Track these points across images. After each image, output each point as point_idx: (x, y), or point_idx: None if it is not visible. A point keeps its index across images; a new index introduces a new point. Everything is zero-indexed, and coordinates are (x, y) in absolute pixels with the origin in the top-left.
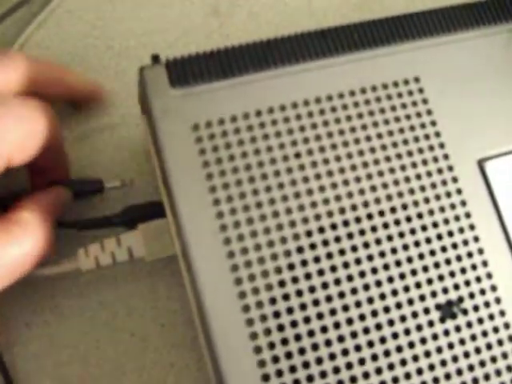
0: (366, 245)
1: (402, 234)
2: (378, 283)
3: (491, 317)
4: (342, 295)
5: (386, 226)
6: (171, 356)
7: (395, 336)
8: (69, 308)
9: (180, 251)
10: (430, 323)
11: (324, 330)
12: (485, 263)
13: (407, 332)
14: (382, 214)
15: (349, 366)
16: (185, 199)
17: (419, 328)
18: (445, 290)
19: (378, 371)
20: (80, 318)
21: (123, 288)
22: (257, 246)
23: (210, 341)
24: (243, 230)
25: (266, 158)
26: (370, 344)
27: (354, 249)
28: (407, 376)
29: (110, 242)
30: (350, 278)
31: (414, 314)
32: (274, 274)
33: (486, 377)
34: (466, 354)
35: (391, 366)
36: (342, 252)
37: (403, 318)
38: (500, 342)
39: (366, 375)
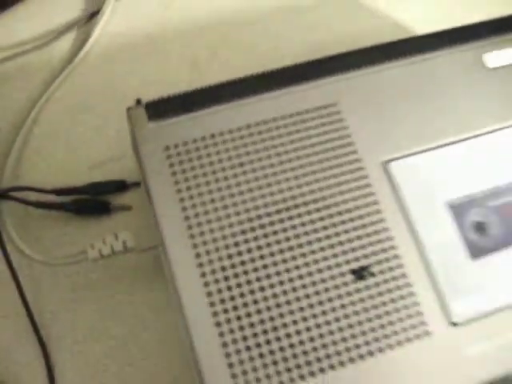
0: (294, 227)
1: (322, 218)
2: (303, 254)
3: (394, 278)
4: (275, 264)
5: (309, 212)
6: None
7: (317, 293)
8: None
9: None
10: (345, 284)
11: (262, 289)
12: (389, 238)
13: (327, 290)
14: (306, 204)
15: (281, 315)
16: (159, 199)
17: (337, 287)
18: (356, 259)
19: (304, 319)
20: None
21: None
22: (211, 230)
23: (179, 303)
24: (204, 219)
25: (218, 167)
26: (298, 299)
27: (285, 230)
28: (327, 322)
29: (109, 237)
30: (281, 251)
31: (332, 277)
32: (224, 249)
33: (382, 326)
34: (374, 306)
35: (314, 315)
36: (274, 232)
37: (323, 280)
38: (402, 297)
39: (295, 322)
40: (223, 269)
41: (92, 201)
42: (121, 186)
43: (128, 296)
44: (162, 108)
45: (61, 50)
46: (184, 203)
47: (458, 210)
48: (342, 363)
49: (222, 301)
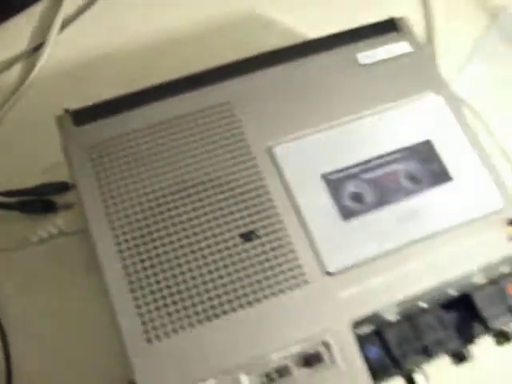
0: (193, 202)
1: (216, 193)
2: (201, 223)
3: (277, 238)
4: (177, 232)
5: (205, 189)
6: None
7: (212, 253)
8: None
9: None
10: (235, 245)
11: (166, 252)
12: (273, 207)
13: (220, 250)
14: (203, 183)
15: (182, 273)
16: (83, 188)
17: (228, 248)
18: (245, 225)
19: (201, 275)
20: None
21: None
22: (124, 208)
23: (100, 268)
24: (119, 199)
25: (131, 158)
26: (196, 259)
27: (185, 205)
28: (220, 277)
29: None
30: (181, 222)
31: (225, 240)
32: (135, 222)
33: (267, 277)
34: (260, 262)
35: (210, 271)
36: (177, 207)
37: (217, 243)
38: (283, 253)
39: (194, 278)
40: (134, 238)
41: (37, 201)
42: (64, 187)
43: (73, 277)
44: (85, 114)
45: (9, 78)
46: (103, 189)
47: (331, 181)
48: (233, 309)
49: (134, 263)
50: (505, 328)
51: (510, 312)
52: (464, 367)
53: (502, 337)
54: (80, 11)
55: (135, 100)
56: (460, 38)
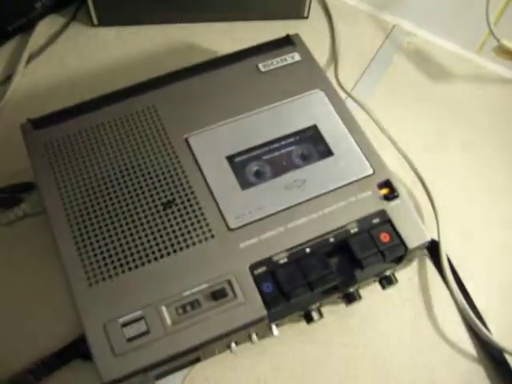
0: (125, 182)
1: (143, 175)
2: (133, 196)
3: (190, 205)
4: (113, 204)
5: (135, 172)
6: None
7: (140, 218)
8: None
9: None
10: (158, 211)
11: (110, 217)
12: (188, 182)
13: (146, 216)
14: (133, 167)
15: (117, 232)
16: (41, 177)
17: (152, 214)
18: (165, 196)
19: (131, 234)
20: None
21: None
22: (73, 188)
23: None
24: (68, 183)
25: (78, 151)
26: (127, 223)
27: (119, 184)
28: (146, 235)
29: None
30: (117, 196)
31: (150, 208)
32: (80, 198)
33: (183, 234)
34: (177, 222)
35: (138, 231)
36: (113, 186)
37: (144, 210)
38: (195, 215)
39: (125, 236)
40: (79, 206)
41: (7, 197)
42: (30, 186)
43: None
44: (42, 121)
45: None
46: (56, 175)
47: (234, 161)
48: (155, 258)
49: (78, 224)
50: (387, 273)
51: (381, 255)
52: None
53: (385, 281)
54: (42, 48)
55: (81, 109)
56: (360, 50)
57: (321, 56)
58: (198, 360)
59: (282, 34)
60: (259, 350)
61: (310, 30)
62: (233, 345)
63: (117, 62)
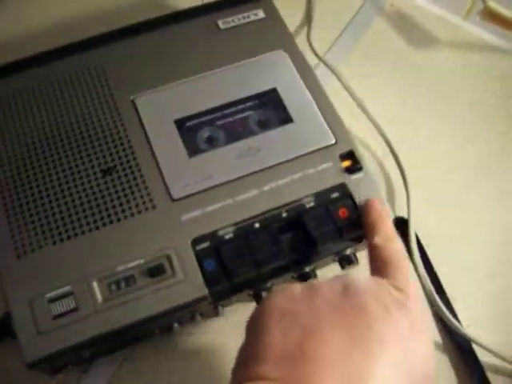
0: (63, 145)
1: (83, 138)
2: (70, 161)
3: (132, 173)
4: (48, 169)
5: (75, 135)
6: None
7: (76, 186)
8: None
9: None
10: (96, 179)
11: (44, 184)
12: (131, 147)
13: (83, 183)
14: (73, 130)
15: (51, 200)
16: None
17: (90, 181)
18: (105, 163)
19: (66, 203)
20: None
21: None
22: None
23: None
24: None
25: (16, 106)
26: (62, 191)
27: (57, 147)
28: (86, 202)
29: None
30: (53, 161)
31: (88, 175)
32: (14, 164)
33: (122, 203)
34: (117, 191)
35: (73, 200)
36: (51, 149)
37: (82, 177)
38: (136, 184)
39: (59, 205)
40: (11, 172)
41: None
42: None
43: None
44: None
45: None
46: None
47: (182, 126)
48: (90, 229)
49: (9, 191)
50: (347, 252)
51: (338, 232)
52: None
53: (344, 261)
54: None
55: (20, 66)
56: (338, 10)
57: (294, 15)
58: (137, 340)
59: None
60: (205, 329)
61: None
62: (175, 325)
63: (71, 14)
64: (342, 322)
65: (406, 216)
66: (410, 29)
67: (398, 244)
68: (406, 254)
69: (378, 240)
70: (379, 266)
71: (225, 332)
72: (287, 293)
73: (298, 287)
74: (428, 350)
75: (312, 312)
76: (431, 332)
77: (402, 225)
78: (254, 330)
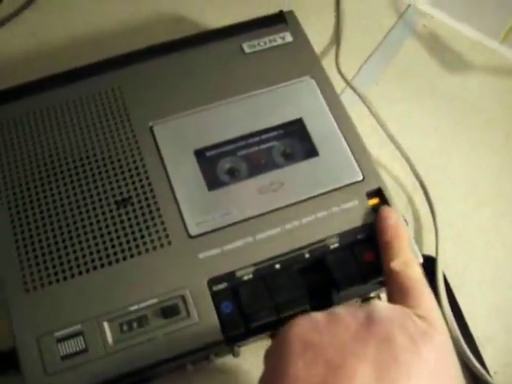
0: (77, 173)
1: (99, 167)
2: (84, 191)
3: (148, 205)
4: (61, 198)
5: (90, 163)
6: None
7: (89, 217)
8: None
9: None
10: (111, 210)
11: (56, 214)
12: (147, 178)
13: (97, 215)
14: (88, 157)
15: (62, 233)
16: None
17: (104, 213)
18: (120, 193)
19: (78, 236)
20: None
21: None
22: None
23: None
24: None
25: (30, 131)
26: (75, 222)
27: (71, 175)
28: (97, 236)
29: None
30: (67, 190)
31: (102, 206)
32: (27, 184)
33: (135, 238)
34: (131, 225)
35: (86, 233)
36: (64, 178)
37: (95, 208)
38: (152, 218)
39: (71, 237)
40: (23, 200)
41: None
42: None
43: None
44: None
45: None
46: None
47: (202, 156)
48: (102, 265)
49: (20, 221)
50: (371, 295)
51: (361, 277)
52: None
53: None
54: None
55: (34, 87)
56: (368, 31)
57: (322, 36)
58: (147, 380)
59: (282, 7)
60: (221, 368)
61: (314, 5)
62: (189, 365)
63: (93, 33)
64: (367, 355)
65: (433, 254)
66: (443, 51)
67: (417, 268)
68: (424, 280)
69: (396, 265)
70: (399, 294)
71: (241, 370)
72: (309, 322)
73: (319, 316)
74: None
75: (336, 344)
76: (456, 365)
77: (429, 264)
78: (275, 361)
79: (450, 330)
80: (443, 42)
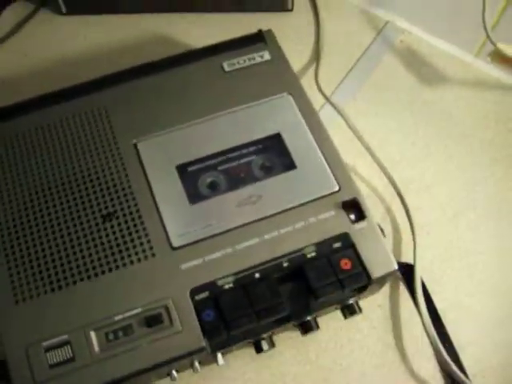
0: (65, 189)
1: (85, 182)
2: (71, 206)
3: (132, 219)
4: (49, 213)
5: (76, 180)
6: None
7: (77, 231)
8: None
9: None
10: (97, 224)
11: (45, 229)
12: (131, 193)
13: (83, 229)
14: (75, 175)
15: (51, 246)
16: None
17: (90, 227)
18: (106, 208)
19: (65, 249)
20: None
21: None
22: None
23: None
24: (6, 193)
25: (19, 150)
26: (62, 236)
27: (58, 192)
28: (84, 249)
29: None
30: (55, 206)
31: (88, 221)
32: (16, 209)
33: (121, 251)
34: (116, 238)
35: (73, 246)
36: (52, 194)
37: (82, 223)
38: (136, 231)
39: (59, 250)
40: (12, 215)
41: None
42: None
43: None
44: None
45: None
46: None
47: (184, 171)
48: (89, 277)
49: (11, 239)
50: (349, 302)
51: (339, 284)
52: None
53: (347, 310)
54: (7, 36)
55: (22, 108)
56: (347, 48)
57: (302, 54)
58: None
59: (262, 27)
60: (205, 375)
61: (294, 25)
62: (173, 372)
63: (81, 54)
64: None
65: (412, 262)
66: (420, 66)
67: None
68: None
69: None
70: None
71: (225, 376)
72: None
73: None
74: None
75: None
76: None
77: (408, 271)
78: None
79: (429, 336)
80: (420, 57)
